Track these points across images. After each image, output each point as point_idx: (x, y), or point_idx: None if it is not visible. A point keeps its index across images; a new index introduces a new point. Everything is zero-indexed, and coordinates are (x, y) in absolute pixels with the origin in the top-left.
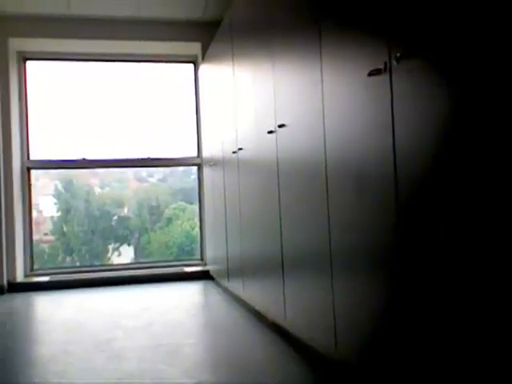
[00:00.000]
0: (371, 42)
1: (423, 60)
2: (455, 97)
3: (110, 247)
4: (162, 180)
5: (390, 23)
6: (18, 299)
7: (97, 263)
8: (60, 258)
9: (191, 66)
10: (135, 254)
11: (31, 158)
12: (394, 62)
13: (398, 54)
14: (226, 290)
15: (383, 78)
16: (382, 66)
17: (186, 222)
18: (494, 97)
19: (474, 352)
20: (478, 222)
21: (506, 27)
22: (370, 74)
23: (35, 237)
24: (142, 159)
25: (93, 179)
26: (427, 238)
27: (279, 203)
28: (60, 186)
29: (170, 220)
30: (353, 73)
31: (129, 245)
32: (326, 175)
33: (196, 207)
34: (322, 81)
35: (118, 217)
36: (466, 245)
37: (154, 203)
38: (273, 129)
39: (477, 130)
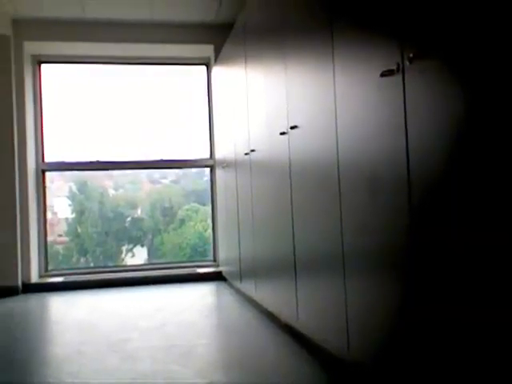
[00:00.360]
0: (384, 42)
1: (436, 60)
2: (469, 97)
3: (124, 248)
4: (175, 181)
5: (403, 24)
6: (33, 300)
7: (110, 264)
8: (74, 259)
9: (204, 68)
10: (148, 255)
11: (46, 160)
12: (407, 63)
13: (411, 55)
14: (238, 291)
15: (396, 79)
16: (394, 67)
17: (199, 223)
18: (510, 97)
19: (489, 353)
20: (492, 223)
21: None
22: (382, 75)
23: (50, 238)
24: (155, 161)
25: (107, 181)
26: (441, 240)
27: (291, 204)
28: (74, 188)
29: (182, 221)
30: (365, 74)
31: (142, 246)
32: (339, 176)
33: (209, 208)
34: (334, 82)
35: (132, 218)
36: (480, 246)
37: (167, 204)
38: (285, 130)
39: (491, 131)
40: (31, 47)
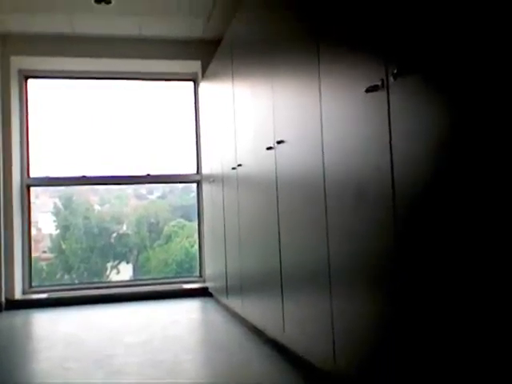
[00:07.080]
0: (368, 59)
1: (420, 76)
2: (452, 113)
3: (109, 265)
4: (162, 197)
5: (387, 41)
6: (17, 316)
7: (95, 281)
8: (58, 276)
9: (191, 83)
10: (134, 272)
11: (31, 175)
12: (391, 79)
13: (395, 71)
14: (224, 307)
15: (380, 95)
16: (379, 83)
17: (185, 239)
18: (491, 111)
19: (476, 362)
20: (473, 234)
21: (501, 43)
22: (367, 91)
23: (34, 254)
24: (142, 176)
25: (92, 196)
26: (425, 251)
27: (278, 219)
28: (59, 204)
29: (169, 237)
30: (350, 89)
31: (127, 263)
32: (325, 191)
33: (195, 224)
34: (320, 97)
35: (117, 234)
36: (463, 258)
37: (153, 220)
38: (272, 145)
39: (473, 145)
40: (18, 62)
